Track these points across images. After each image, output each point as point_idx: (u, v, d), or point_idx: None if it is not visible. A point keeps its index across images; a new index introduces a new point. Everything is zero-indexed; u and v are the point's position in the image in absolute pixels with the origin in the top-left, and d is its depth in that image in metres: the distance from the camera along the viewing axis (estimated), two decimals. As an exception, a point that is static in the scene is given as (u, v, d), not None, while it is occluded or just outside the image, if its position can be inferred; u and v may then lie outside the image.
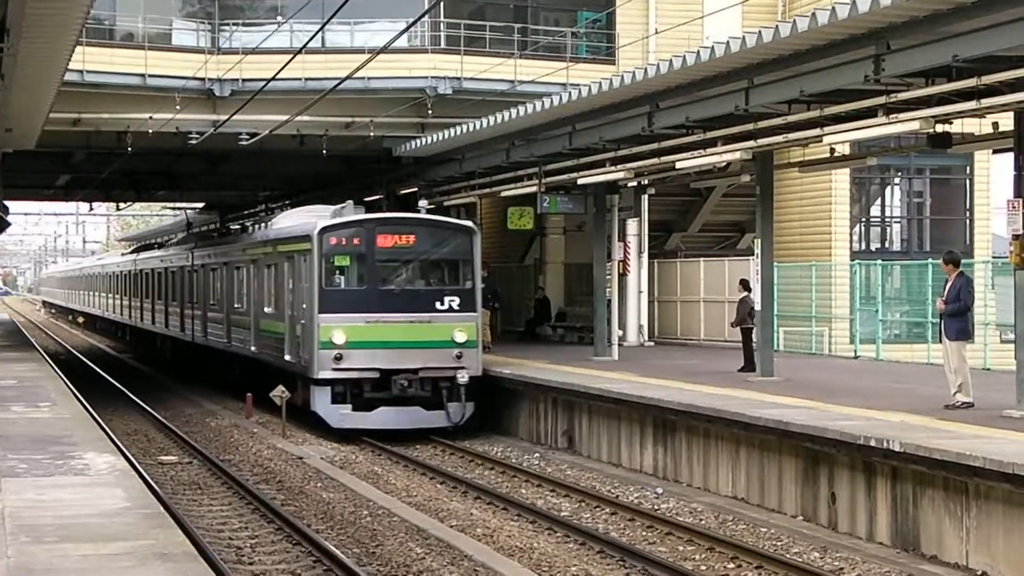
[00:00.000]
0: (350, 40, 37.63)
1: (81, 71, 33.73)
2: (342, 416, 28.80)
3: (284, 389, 30.05)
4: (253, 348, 34.89)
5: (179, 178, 50.07)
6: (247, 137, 35.62)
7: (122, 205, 69.92)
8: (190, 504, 21.84)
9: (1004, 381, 23.16)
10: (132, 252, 68.11)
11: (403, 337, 28.93)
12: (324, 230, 29.30)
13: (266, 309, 33.43)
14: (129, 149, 36.99)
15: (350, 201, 31.58)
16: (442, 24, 37.33)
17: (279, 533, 19.40)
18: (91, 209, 79.24)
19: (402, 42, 35.16)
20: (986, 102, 19.30)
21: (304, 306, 29.68)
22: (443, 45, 37.29)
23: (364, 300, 29.17)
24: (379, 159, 39.64)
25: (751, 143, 24.73)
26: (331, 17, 26.62)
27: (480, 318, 30.08)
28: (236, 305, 37.08)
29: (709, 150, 25.98)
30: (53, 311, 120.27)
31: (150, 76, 35.68)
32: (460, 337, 29.03)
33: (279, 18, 37.46)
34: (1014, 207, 20.01)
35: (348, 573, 16.42)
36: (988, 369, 29.59)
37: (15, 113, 28.72)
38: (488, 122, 31.58)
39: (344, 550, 17.94)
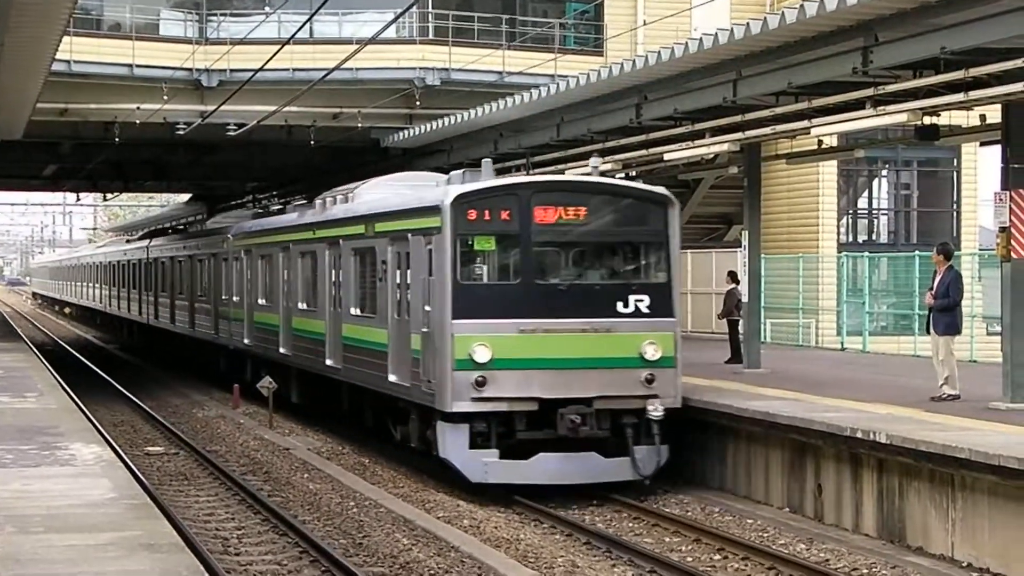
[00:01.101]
0: (338, 31, 37.62)
1: (68, 61, 33.67)
2: (486, 466, 20.59)
3: (271, 380, 30.01)
4: (330, 363, 27.15)
5: (166, 168, 49.99)
6: (235, 128, 35.57)
7: (109, 195, 69.69)
8: (176, 495, 21.82)
9: (990, 373, 23.20)
10: (141, 238, 59.97)
11: (572, 352, 20.93)
12: (461, 199, 21.07)
13: (352, 311, 25.88)
14: (116, 139, 36.93)
15: (488, 160, 23.20)
16: (430, 15, 37.32)
17: (265, 524, 19.39)
18: (78, 199, 79.10)
19: (390, 33, 35.11)
20: (974, 94, 19.32)
21: (427, 309, 21.62)
22: (431, 36, 37.26)
23: (517, 300, 21.07)
24: (367, 150, 39.60)
25: (739, 135, 24.74)
26: (319, 7, 26.64)
27: (679, 325, 21.94)
28: (298, 304, 29.97)
29: (697, 142, 25.97)
30: (43, 302, 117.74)
31: (137, 66, 35.63)
32: (652, 352, 21.08)
33: (267, 8, 37.40)
34: (1001, 200, 20.04)
35: (334, 564, 16.42)
36: (974, 361, 29.63)
37: (2, 103, 28.66)
38: (476, 113, 31.57)
39: (331, 541, 17.94)
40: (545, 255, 21.74)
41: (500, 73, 36.18)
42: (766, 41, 21.72)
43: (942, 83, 19.77)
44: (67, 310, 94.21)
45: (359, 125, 36.81)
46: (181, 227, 54.77)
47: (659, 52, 24.29)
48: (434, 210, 21.43)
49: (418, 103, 36.53)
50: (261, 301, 33.13)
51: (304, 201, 33.76)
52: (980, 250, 38.41)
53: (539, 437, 20.81)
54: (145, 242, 54.67)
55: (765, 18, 21.34)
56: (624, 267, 22.17)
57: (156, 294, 49.43)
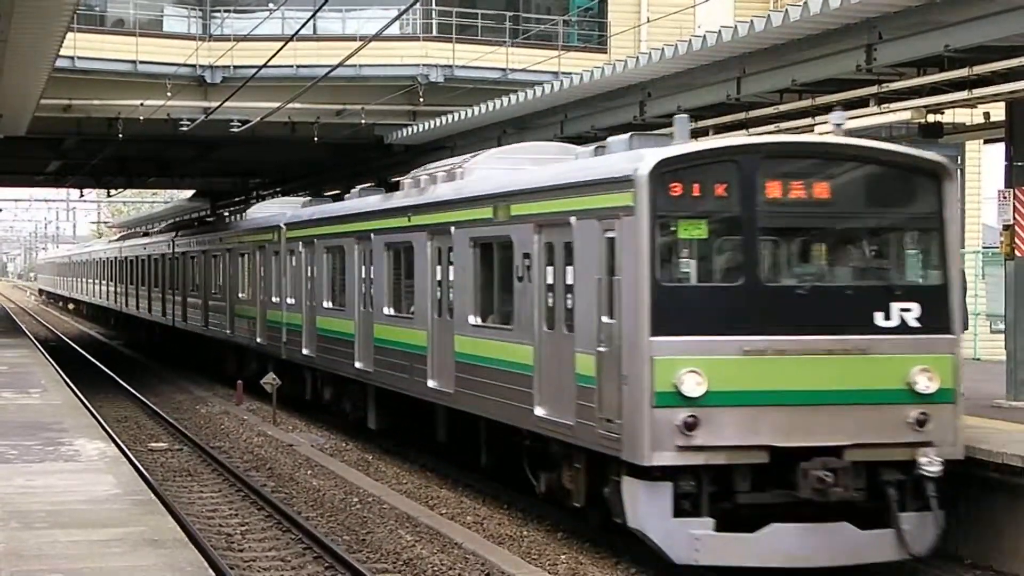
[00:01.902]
0: (342, 27, 37.61)
1: (72, 57, 33.66)
2: (696, 542, 15.20)
3: (275, 377, 30.02)
4: (434, 385, 21.77)
5: (170, 165, 50.02)
6: (238, 124, 35.56)
7: (112, 192, 69.64)
8: (180, 491, 21.86)
9: (994, 371, 23.20)
10: (164, 231, 54.21)
11: (816, 383, 15.48)
12: (664, 167, 15.38)
13: (470, 320, 20.23)
14: (120, 135, 36.92)
15: (685, 116, 17.57)
16: (434, 12, 37.29)
17: (269, 520, 19.43)
18: (82, 195, 79.08)
19: (394, 29, 35.09)
20: (978, 92, 19.31)
21: (605, 320, 16.01)
22: (435, 33, 37.24)
23: (740, 309, 15.55)
24: (370, 147, 39.59)
25: (743, 132, 24.73)
26: (323, 4, 26.67)
27: (960, 344, 16.20)
28: (383, 309, 24.53)
29: (701, 139, 25.94)
30: (49, 299, 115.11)
31: (141, 62, 35.60)
32: (926, 383, 15.59)
33: (271, 5, 37.39)
34: (1005, 197, 20.05)
35: (338, 560, 16.44)
36: (978, 359, 29.63)
37: (6, 99, 28.68)
38: (480, 110, 31.55)
39: (334, 537, 17.97)
40: (778, 246, 16.23)
41: (504, 70, 36.16)
42: (770, 38, 21.72)
43: (946, 81, 19.76)
44: (71, 306, 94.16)
45: (362, 122, 36.79)
46: (211, 218, 49.92)
47: (663, 49, 24.29)
48: (621, 183, 15.68)
49: (421, 100, 36.49)
50: (327, 304, 28.05)
51: (371, 184, 30.68)
52: (984, 248, 38.37)
53: (770, 501, 15.40)
54: (169, 235, 49.60)
55: (769, 15, 21.35)
56: (885, 263, 16.50)
57: (184, 294, 44.30)
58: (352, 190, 28.85)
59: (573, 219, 16.81)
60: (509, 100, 30.24)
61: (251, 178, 55.84)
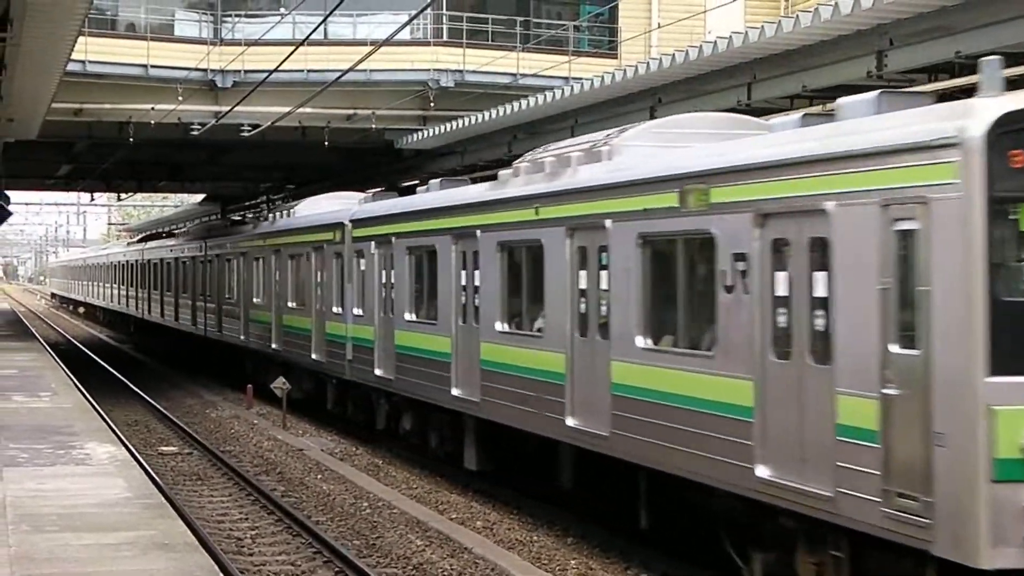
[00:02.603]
0: (352, 32, 37.62)
1: (83, 61, 33.72)
2: None
3: (284, 380, 30.04)
4: (575, 423, 17.39)
5: (181, 169, 50.08)
6: (249, 128, 35.60)
7: (123, 196, 69.72)
8: (190, 495, 21.88)
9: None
10: (194, 233, 49.29)
11: None
12: (1005, 124, 10.91)
13: (638, 341, 15.93)
14: (131, 140, 36.98)
15: (996, 57, 12.13)
16: (444, 17, 37.32)
17: (279, 524, 19.45)
18: (92, 199, 79.17)
19: (404, 34, 35.13)
20: (988, 98, 19.26)
21: (896, 350, 11.67)
22: (445, 38, 37.27)
23: None
24: (381, 151, 39.62)
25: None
26: (334, 9, 26.56)
27: None
28: (495, 325, 19.99)
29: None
30: (64, 303, 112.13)
31: (152, 67, 35.68)
32: None
33: (282, 9, 37.44)
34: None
35: (348, 565, 16.46)
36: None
37: (17, 103, 28.73)
38: (490, 115, 31.56)
39: (344, 542, 17.98)
40: None
41: (514, 75, 36.16)
42: (781, 44, 21.70)
43: (957, 87, 19.74)
44: (81, 309, 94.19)
45: (373, 126, 36.81)
46: (248, 218, 44.85)
47: (674, 55, 24.28)
48: (930, 150, 11.22)
49: (432, 104, 36.52)
50: (410, 316, 23.89)
51: (454, 177, 27.18)
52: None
53: None
54: (200, 235, 46.00)
55: (780, 21, 21.34)
56: None
57: (219, 301, 40.51)
58: (431, 182, 25.13)
59: (830, 205, 12.37)
60: (520, 105, 30.24)
61: (262, 182, 55.91)
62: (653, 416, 15.27)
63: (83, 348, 56.73)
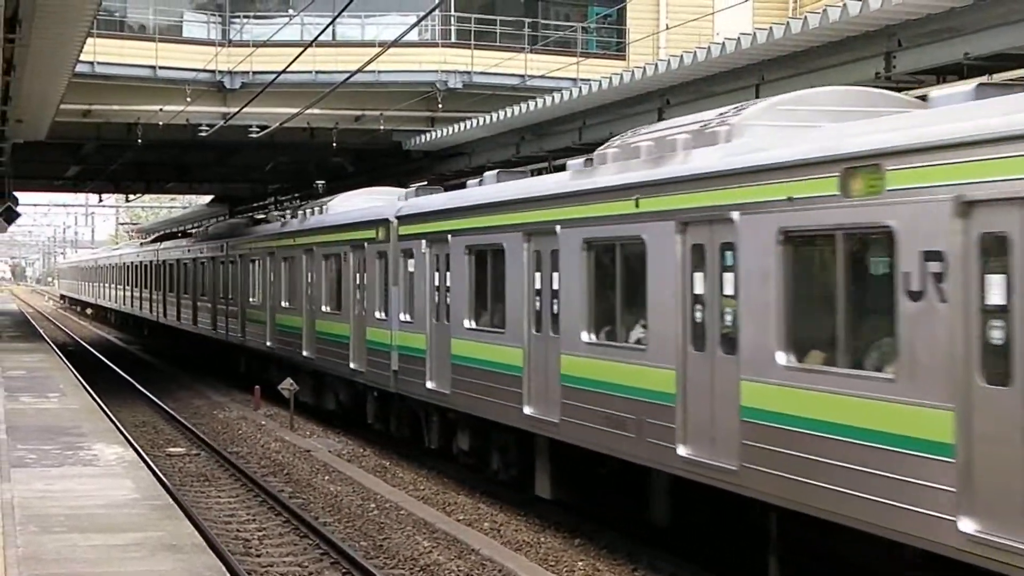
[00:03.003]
0: (361, 33, 37.65)
1: (92, 63, 33.79)
2: None
3: (292, 382, 30.04)
4: (688, 452, 14.79)
5: (189, 170, 50.15)
6: (257, 130, 35.64)
7: (131, 197, 69.73)
8: (198, 496, 21.90)
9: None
10: (216, 230, 45.87)
11: None
12: None
13: (781, 359, 13.33)
14: (139, 141, 37.04)
15: None
16: (453, 18, 37.35)
17: (287, 526, 19.46)
18: (100, 200, 79.22)
19: (412, 36, 35.16)
20: (997, 100, 19.24)
21: None
22: (453, 39, 37.30)
23: None
24: (388, 152, 39.65)
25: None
26: (342, 10, 26.65)
27: None
28: (631, 334, 16.40)
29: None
30: (73, 305, 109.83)
31: (161, 68, 35.73)
32: None
33: (290, 11, 37.48)
34: None
35: (355, 566, 16.46)
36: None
37: (26, 104, 28.77)
38: (498, 116, 31.57)
39: (351, 543, 17.98)
40: None
41: (522, 76, 36.17)
42: (789, 45, 21.70)
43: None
44: (88, 311, 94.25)
45: (381, 127, 36.85)
46: (274, 215, 40.27)
47: (682, 56, 24.28)
48: None
49: (440, 106, 36.55)
50: (469, 323, 21.09)
51: (513, 168, 25.51)
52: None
53: None
54: (220, 234, 42.79)
55: (788, 22, 21.34)
56: None
57: (242, 304, 38.06)
58: (487, 174, 22.68)
59: None
60: (527, 107, 30.25)
61: (270, 183, 55.95)
62: (802, 449, 12.73)
63: (91, 349, 56.79)
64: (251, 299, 36.94)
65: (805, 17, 20.76)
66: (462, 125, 33.81)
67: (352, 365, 27.05)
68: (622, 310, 16.53)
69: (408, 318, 23.92)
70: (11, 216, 54.53)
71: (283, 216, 37.16)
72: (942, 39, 19.23)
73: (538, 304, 18.54)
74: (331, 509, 20.70)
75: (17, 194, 52.99)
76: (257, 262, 36.52)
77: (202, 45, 36.74)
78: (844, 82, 21.35)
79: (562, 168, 19.52)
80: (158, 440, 28.63)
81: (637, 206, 15.83)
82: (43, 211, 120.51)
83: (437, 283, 22.52)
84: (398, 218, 24.71)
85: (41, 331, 59.65)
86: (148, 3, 37.26)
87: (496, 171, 22.46)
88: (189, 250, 47.86)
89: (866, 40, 20.38)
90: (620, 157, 16.88)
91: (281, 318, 33.34)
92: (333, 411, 29.97)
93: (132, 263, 64.34)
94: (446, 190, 25.55)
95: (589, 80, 29.46)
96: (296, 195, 53.55)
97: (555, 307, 18.04)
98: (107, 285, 77.27)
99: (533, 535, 18.60)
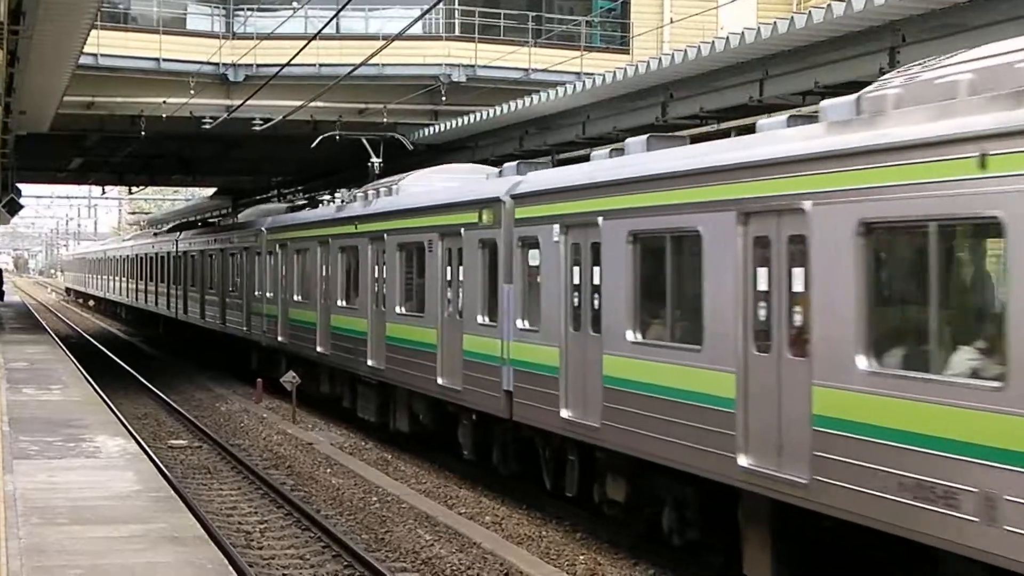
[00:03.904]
0: (364, 26, 37.65)
1: (95, 55, 33.79)
2: None
3: (294, 375, 30.05)
4: None
5: (192, 162, 50.16)
6: (261, 122, 35.64)
7: (135, 189, 69.74)
8: (200, 488, 21.91)
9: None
10: (251, 216, 42.20)
11: None
12: None
13: None
14: (143, 133, 37.04)
15: None
16: (456, 11, 37.33)
17: (288, 518, 19.47)
18: (103, 192, 79.21)
19: (416, 29, 35.14)
20: (1001, 96, 19.21)
21: None
22: (457, 32, 37.28)
23: None
24: (392, 145, 39.66)
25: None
26: (346, 3, 26.69)
27: None
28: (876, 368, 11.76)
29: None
30: (79, 298, 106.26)
31: (164, 60, 35.73)
32: None
33: (294, 3, 37.47)
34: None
35: (357, 559, 16.46)
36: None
37: (29, 96, 28.77)
38: (502, 110, 31.56)
39: (353, 536, 17.99)
40: None
41: (526, 70, 36.17)
42: (793, 41, 21.70)
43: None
44: (91, 303, 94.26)
45: (384, 120, 36.85)
46: (326, 199, 35.54)
47: (685, 51, 24.28)
48: None
49: (444, 99, 36.54)
50: (634, 336, 15.90)
51: (675, 134, 18.89)
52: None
53: None
54: (252, 226, 37.96)
55: (792, 17, 21.33)
56: None
57: (285, 303, 33.28)
58: (628, 141, 17.71)
59: None
60: (531, 100, 30.25)
61: (273, 176, 55.97)
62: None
63: (93, 341, 56.82)
64: (296, 296, 32.16)
65: (809, 12, 20.75)
66: (466, 119, 33.81)
67: (441, 381, 21.97)
68: (940, 312, 11.39)
69: (529, 326, 18.77)
70: (14, 208, 54.58)
71: (334, 199, 31.31)
72: (946, 35, 19.21)
73: (764, 310, 13.30)
74: (333, 502, 20.71)
75: (20, 186, 53.05)
76: (304, 253, 31.58)
77: (206, 38, 36.74)
78: (849, 77, 21.39)
79: (751, 129, 15.73)
80: (160, 432, 28.65)
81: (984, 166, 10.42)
82: (46, 203, 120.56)
83: (577, 280, 17.34)
84: (514, 197, 19.49)
85: (44, 323, 59.68)
86: (152, -5, 37.27)
87: (646, 136, 17.40)
88: (215, 240, 43.35)
89: (870, 35, 20.36)
90: (903, 102, 11.97)
91: (337, 319, 28.42)
92: (406, 433, 25.26)
93: (147, 255, 59.92)
94: (555, 166, 22.15)
95: (593, 74, 29.44)
96: (299, 187, 53.50)
97: (798, 318, 12.79)
98: (118, 278, 72.40)
99: (535, 529, 18.60)
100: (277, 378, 31.58)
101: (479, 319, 20.58)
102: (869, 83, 20.70)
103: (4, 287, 66.34)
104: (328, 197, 32.89)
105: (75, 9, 21.10)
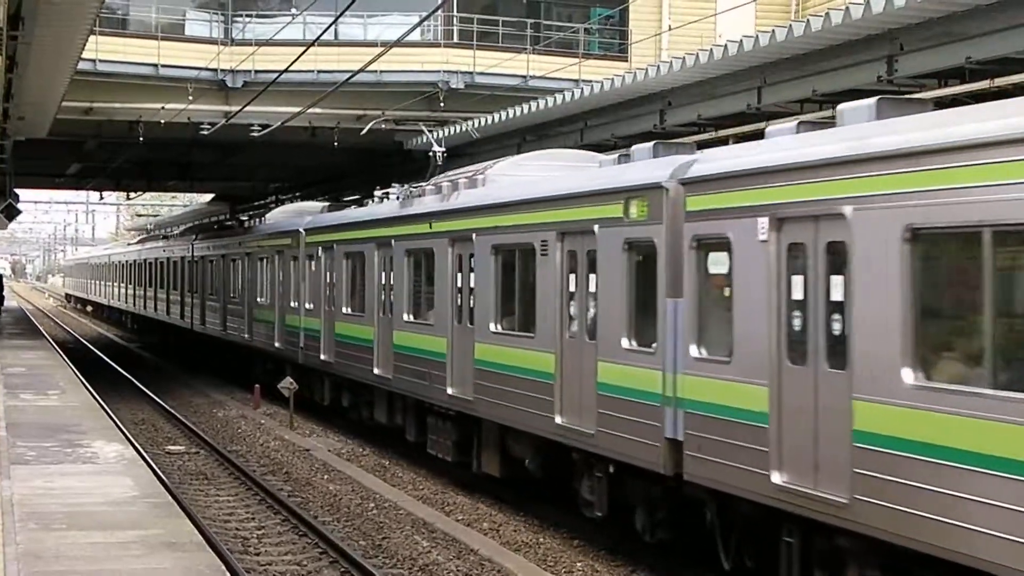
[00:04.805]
0: (363, 33, 37.65)
1: (94, 60, 33.79)
2: None
3: (292, 380, 30.04)
4: None
5: (190, 168, 50.14)
6: (259, 129, 35.64)
7: (133, 194, 69.64)
8: (197, 494, 21.90)
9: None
10: (287, 214, 37.56)
11: None
12: None
13: None
14: (141, 139, 37.05)
15: None
16: (455, 18, 37.35)
17: (286, 524, 19.46)
18: (101, 198, 79.12)
19: (415, 36, 35.13)
20: (999, 104, 19.24)
21: None
22: (455, 39, 37.30)
23: None
24: (390, 152, 39.65)
25: (763, 142, 24.69)
26: (344, 10, 26.62)
27: None
28: None
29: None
30: (79, 304, 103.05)
31: (163, 66, 35.73)
32: None
33: (292, 10, 37.48)
34: None
35: (354, 565, 16.46)
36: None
37: (28, 101, 28.78)
38: (500, 117, 31.58)
39: (350, 542, 17.99)
40: None
41: (524, 77, 36.17)
42: (791, 49, 21.72)
43: (967, 93, 19.72)
44: (89, 308, 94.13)
45: (383, 127, 36.86)
46: (388, 191, 28.88)
47: (684, 58, 24.30)
48: None
49: (442, 106, 36.56)
50: (913, 380, 11.22)
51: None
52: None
53: None
54: (285, 229, 33.58)
55: (790, 25, 21.35)
56: None
57: (330, 316, 28.89)
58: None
59: None
60: (529, 107, 30.27)
61: (271, 182, 55.98)
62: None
63: (91, 347, 56.78)
64: (345, 308, 27.86)
65: (807, 20, 20.79)
66: (464, 126, 33.82)
67: (560, 420, 17.65)
68: None
69: (708, 354, 14.42)
70: (12, 213, 54.53)
71: (390, 195, 27.94)
72: (944, 43, 19.25)
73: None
74: (330, 508, 20.70)
75: (18, 191, 53.03)
76: (356, 257, 27.30)
77: (204, 44, 36.75)
78: (847, 85, 21.41)
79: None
80: (158, 438, 28.64)
81: None
82: (43, 208, 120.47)
83: (802, 295, 12.78)
84: (684, 183, 14.90)
85: (41, 329, 59.68)
86: (151, 1, 37.25)
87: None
88: (239, 243, 38.84)
89: (868, 43, 20.40)
90: None
91: (402, 337, 24.06)
92: (503, 480, 20.95)
93: (157, 259, 54.82)
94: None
95: (591, 81, 29.47)
96: (297, 194, 53.46)
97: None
98: (123, 285, 67.36)
99: (532, 535, 18.60)
100: (322, 406, 29.55)
101: (624, 343, 16.08)
102: (867, 91, 20.83)
103: (4, 292, 66.17)
104: (380, 194, 28.54)
105: (74, 15, 21.10)
